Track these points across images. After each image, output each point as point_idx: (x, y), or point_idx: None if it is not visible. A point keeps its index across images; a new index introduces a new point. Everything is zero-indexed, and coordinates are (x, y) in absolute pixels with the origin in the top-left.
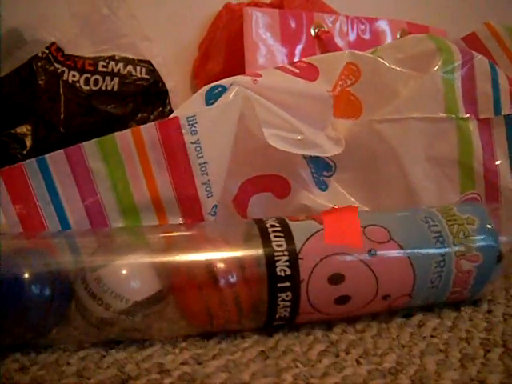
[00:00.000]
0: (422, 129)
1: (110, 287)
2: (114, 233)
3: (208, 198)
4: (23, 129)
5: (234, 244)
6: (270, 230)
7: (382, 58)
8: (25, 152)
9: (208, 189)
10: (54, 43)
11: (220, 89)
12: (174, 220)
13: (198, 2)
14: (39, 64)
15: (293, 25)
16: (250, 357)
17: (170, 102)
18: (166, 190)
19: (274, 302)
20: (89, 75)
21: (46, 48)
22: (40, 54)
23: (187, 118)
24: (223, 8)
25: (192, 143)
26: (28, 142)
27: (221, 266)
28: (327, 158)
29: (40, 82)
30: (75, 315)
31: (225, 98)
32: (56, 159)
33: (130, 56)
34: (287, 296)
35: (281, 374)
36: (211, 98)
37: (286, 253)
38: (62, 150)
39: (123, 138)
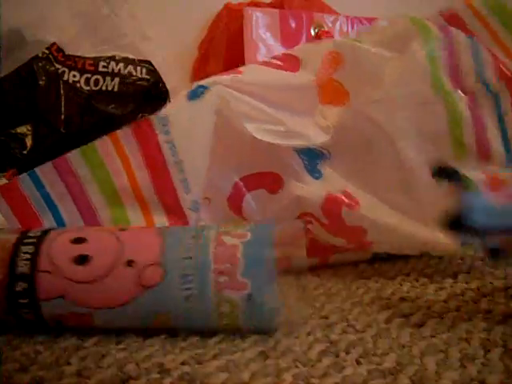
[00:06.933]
0: (409, 106)
1: None
2: None
3: (186, 193)
4: (23, 129)
5: None
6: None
7: (362, 43)
8: (25, 152)
9: (186, 185)
10: (54, 43)
11: (201, 89)
12: (159, 216)
13: (198, 2)
14: (40, 64)
15: (293, 25)
16: (250, 357)
17: (170, 102)
18: (146, 188)
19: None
20: (89, 75)
21: (47, 48)
22: (40, 55)
23: (158, 118)
24: (223, 8)
25: (166, 142)
26: (28, 141)
27: None
28: (320, 148)
29: (40, 83)
30: None
31: (201, 98)
32: (45, 171)
33: (131, 56)
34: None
35: (281, 374)
36: (193, 97)
37: None
38: (50, 162)
39: (103, 144)
